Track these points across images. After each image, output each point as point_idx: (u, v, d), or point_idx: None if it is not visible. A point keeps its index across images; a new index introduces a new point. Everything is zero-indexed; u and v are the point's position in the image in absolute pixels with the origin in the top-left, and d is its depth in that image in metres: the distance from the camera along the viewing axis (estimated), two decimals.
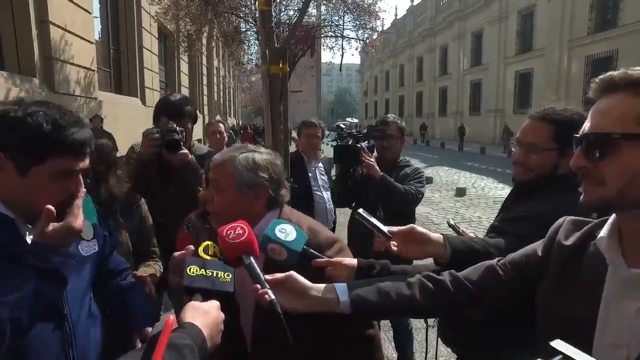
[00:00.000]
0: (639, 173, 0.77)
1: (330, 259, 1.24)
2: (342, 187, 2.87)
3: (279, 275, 1.09)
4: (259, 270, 1.07)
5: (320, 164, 3.45)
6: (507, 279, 1.07)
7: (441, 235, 1.26)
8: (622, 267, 0.82)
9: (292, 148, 3.83)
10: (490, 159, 20.01)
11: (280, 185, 1.39)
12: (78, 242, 1.32)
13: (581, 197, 0.86)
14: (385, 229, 1.28)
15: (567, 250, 0.96)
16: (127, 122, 9.96)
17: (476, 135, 28.45)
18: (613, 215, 0.88)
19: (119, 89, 10.91)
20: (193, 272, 1.00)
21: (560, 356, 0.50)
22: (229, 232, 1.09)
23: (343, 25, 10.78)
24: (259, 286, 1.03)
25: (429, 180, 12.63)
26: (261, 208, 1.35)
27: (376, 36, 11.88)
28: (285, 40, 3.19)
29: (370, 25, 10.77)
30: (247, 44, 13.94)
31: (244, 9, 10.33)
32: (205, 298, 0.97)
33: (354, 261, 1.25)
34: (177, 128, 2.28)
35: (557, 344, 0.52)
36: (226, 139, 4.04)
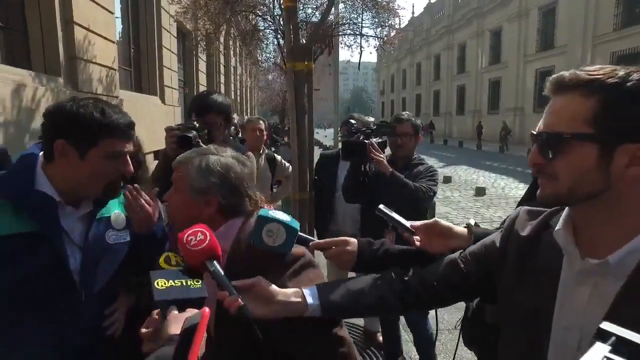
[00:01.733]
0: (587, 171, 0.80)
1: (333, 239, 1.23)
2: (352, 184, 2.81)
3: (247, 280, 1.05)
4: (225, 276, 1.01)
5: None
6: (467, 271, 1.08)
7: (466, 229, 1.23)
8: (577, 257, 0.86)
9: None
10: (509, 158, 19.68)
11: (238, 193, 1.27)
12: (106, 229, 1.41)
13: (537, 192, 0.90)
14: (407, 223, 1.25)
15: (524, 240, 0.99)
16: (147, 120, 10.10)
17: (495, 134, 28.01)
18: (567, 207, 0.92)
19: (139, 88, 11.06)
20: (162, 286, 0.94)
21: (614, 337, 0.50)
22: (189, 238, 1.03)
23: (362, 23, 10.68)
24: (226, 293, 0.97)
25: (448, 179, 12.49)
26: (211, 215, 1.24)
27: (394, 34, 11.74)
28: (310, 37, 3.17)
29: (389, 22, 10.65)
30: (264, 42, 13.95)
31: (262, 7, 10.33)
32: (180, 309, 0.92)
33: (354, 240, 1.25)
34: (197, 124, 2.23)
35: (607, 325, 0.52)
36: (265, 137, 3.79)
